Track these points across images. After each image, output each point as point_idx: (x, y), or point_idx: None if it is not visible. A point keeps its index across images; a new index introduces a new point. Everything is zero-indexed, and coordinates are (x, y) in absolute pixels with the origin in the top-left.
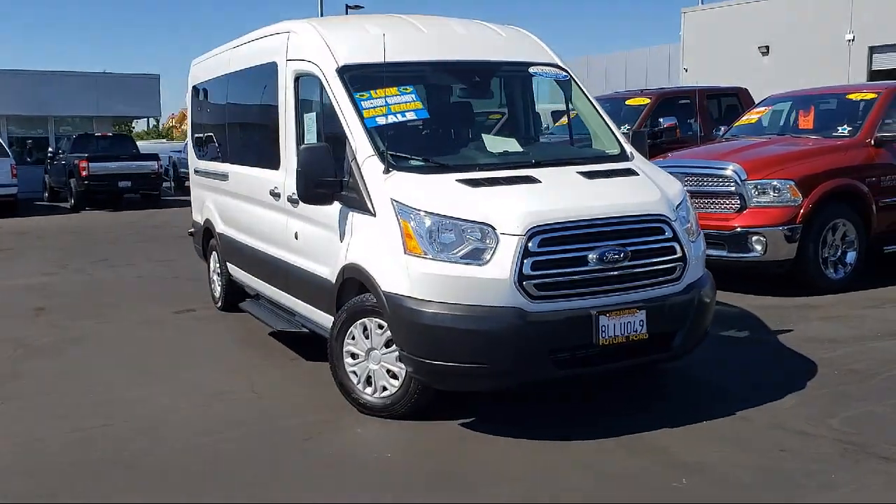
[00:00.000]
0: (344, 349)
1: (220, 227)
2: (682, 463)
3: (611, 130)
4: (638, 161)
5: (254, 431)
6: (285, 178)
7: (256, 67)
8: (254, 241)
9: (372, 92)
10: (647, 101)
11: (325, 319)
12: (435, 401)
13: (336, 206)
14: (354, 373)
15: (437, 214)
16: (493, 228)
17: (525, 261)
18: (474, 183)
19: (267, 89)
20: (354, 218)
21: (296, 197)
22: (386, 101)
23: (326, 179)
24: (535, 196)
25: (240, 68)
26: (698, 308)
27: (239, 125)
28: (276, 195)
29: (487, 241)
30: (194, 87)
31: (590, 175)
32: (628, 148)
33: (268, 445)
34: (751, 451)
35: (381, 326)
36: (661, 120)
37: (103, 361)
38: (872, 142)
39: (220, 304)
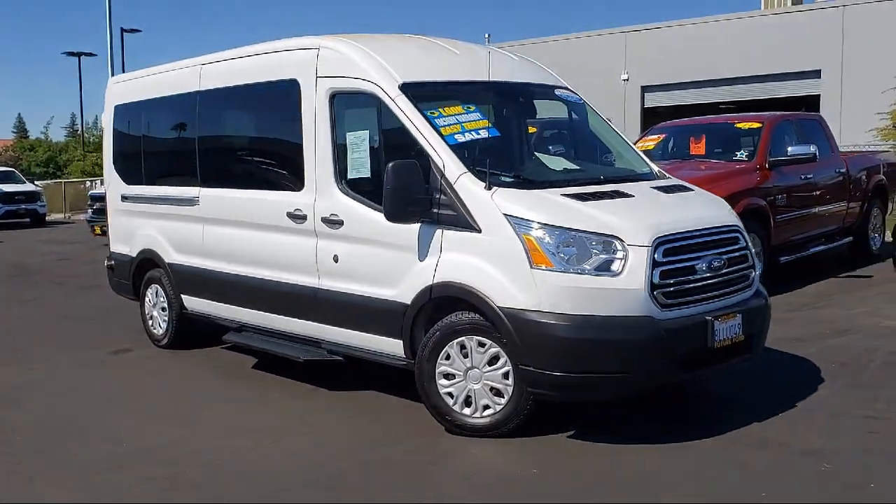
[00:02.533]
0: (437, 370)
1: (172, 257)
2: (806, 452)
3: (635, 151)
4: (674, 179)
5: (360, 462)
6: (314, 199)
7: (262, 84)
8: (246, 269)
9: (441, 109)
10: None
11: (384, 344)
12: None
13: (414, 225)
14: (450, 394)
15: (563, 227)
16: (621, 240)
17: (654, 270)
18: (580, 197)
19: (281, 107)
20: (447, 235)
21: (336, 218)
22: (457, 119)
23: (418, 197)
24: (646, 209)
25: (226, 85)
26: (766, 311)
27: (224, 146)
28: (297, 217)
29: (616, 253)
30: (120, 107)
31: (665, 190)
32: (654, 166)
33: (395, 473)
34: (847, 437)
35: (481, 344)
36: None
37: (81, 407)
38: (767, 165)
39: (165, 341)
